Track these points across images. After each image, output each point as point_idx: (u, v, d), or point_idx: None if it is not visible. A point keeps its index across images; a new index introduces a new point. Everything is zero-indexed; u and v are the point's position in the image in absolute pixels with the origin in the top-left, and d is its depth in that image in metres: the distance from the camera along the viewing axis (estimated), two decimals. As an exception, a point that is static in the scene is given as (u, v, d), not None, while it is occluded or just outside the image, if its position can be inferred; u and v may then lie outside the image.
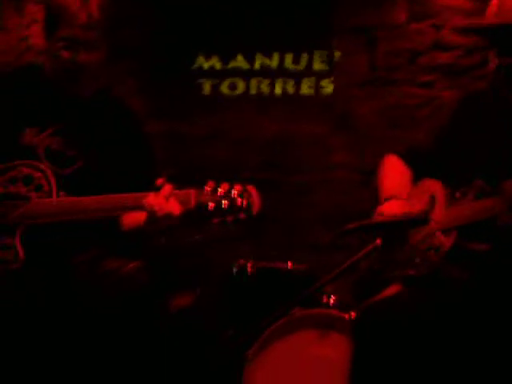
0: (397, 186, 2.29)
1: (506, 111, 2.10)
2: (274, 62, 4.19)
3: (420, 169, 2.32)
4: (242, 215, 2.06)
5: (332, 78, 4.13)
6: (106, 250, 2.30)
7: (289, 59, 4.18)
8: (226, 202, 2.05)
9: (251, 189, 2.08)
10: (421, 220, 2.08)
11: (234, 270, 3.22)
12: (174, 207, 2.04)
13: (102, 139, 2.34)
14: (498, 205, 1.92)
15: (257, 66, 4.21)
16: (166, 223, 2.07)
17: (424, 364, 1.99)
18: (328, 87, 4.14)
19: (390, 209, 2.15)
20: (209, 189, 2.07)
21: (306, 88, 4.16)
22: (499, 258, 1.98)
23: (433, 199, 2.19)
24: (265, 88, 4.21)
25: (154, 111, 4.07)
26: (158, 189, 2.07)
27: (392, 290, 2.26)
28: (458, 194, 2.13)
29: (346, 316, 2.76)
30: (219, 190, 2.06)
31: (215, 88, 4.25)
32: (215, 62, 4.25)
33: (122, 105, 2.49)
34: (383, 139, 3.93)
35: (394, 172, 2.36)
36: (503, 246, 1.97)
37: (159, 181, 2.08)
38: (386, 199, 2.22)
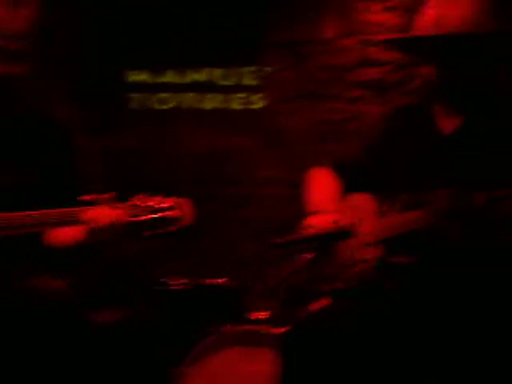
0: (324, 199, 2.30)
1: (432, 126, 2.15)
2: (203, 77, 4.20)
3: (348, 182, 2.34)
4: (173, 228, 2.06)
5: (262, 93, 4.16)
6: (37, 265, 2.25)
7: (219, 74, 4.19)
8: (158, 215, 2.04)
9: (183, 202, 2.08)
10: (348, 233, 2.11)
11: (164, 285, 3.19)
12: (111, 220, 2.02)
13: (30, 152, 2.30)
14: (424, 217, 1.95)
15: (187, 80, 4.21)
16: (104, 237, 2.05)
17: (354, 376, 2.00)
18: (258, 102, 4.16)
19: (319, 223, 2.17)
20: (140, 201, 2.05)
21: (235, 103, 4.18)
22: (426, 269, 2.02)
23: (361, 212, 2.22)
24: (195, 103, 4.21)
25: (85, 125, 4.01)
26: (92, 203, 2.05)
27: (321, 303, 2.27)
28: (384, 207, 2.16)
29: (276, 331, 2.76)
30: (150, 202, 2.05)
31: (146, 102, 4.24)
32: (146, 76, 4.23)
33: (51, 118, 2.44)
34: (312, 154, 3.98)
35: (321, 185, 2.38)
36: (430, 257, 2.01)
37: (93, 195, 2.05)
38: (313, 212, 2.23)
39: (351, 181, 2.33)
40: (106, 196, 2.06)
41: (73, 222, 2.07)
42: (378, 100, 4.01)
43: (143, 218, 2.03)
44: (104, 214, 2.03)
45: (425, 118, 2.16)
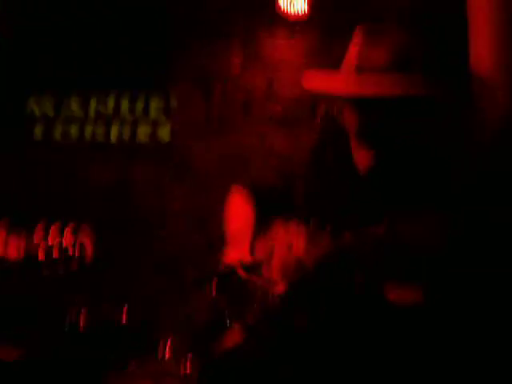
0: (240, 230, 2.30)
1: (335, 159, 2.18)
2: (109, 108, 4.14)
3: (262, 213, 2.35)
4: (75, 266, 2.00)
5: (169, 127, 4.14)
6: None
7: (125, 106, 4.15)
8: (57, 252, 1.98)
9: (84, 238, 2.03)
10: (257, 268, 2.10)
11: (68, 322, 3.10)
12: (9, 252, 1.95)
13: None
14: (333, 251, 1.97)
15: (91, 112, 4.14)
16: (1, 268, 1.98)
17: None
18: (165, 135, 4.14)
19: (230, 257, 2.16)
20: (39, 239, 1.99)
21: (142, 136, 4.14)
22: (336, 304, 2.03)
23: (273, 245, 2.22)
24: (99, 135, 4.14)
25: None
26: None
27: (231, 339, 2.25)
28: (295, 240, 2.17)
29: (184, 369, 2.72)
30: (50, 240, 1.99)
31: (48, 134, 4.14)
32: (48, 108, 4.14)
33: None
34: (219, 187, 3.97)
35: (237, 217, 2.39)
36: (340, 292, 2.02)
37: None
38: (229, 244, 2.23)
39: (265, 212, 2.35)
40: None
41: None
42: (282, 135, 4.07)
43: (42, 254, 1.96)
44: None
45: (339, 152, 2.19)
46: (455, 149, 2.18)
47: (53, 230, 2.03)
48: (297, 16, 3.89)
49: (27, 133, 4.13)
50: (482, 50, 2.40)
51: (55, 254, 1.97)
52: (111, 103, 4.13)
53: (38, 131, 4.15)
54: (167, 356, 2.91)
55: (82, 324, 3.08)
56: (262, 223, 2.34)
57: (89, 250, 2.02)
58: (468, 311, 2.03)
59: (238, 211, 2.40)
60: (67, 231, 2.04)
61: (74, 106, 4.14)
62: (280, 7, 3.86)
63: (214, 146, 4.12)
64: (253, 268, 2.10)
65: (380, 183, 2.11)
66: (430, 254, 1.80)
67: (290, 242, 2.18)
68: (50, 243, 1.98)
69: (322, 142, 2.29)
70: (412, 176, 2.08)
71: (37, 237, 1.99)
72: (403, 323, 1.98)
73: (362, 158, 2.18)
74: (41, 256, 1.96)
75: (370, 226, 1.85)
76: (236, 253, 2.17)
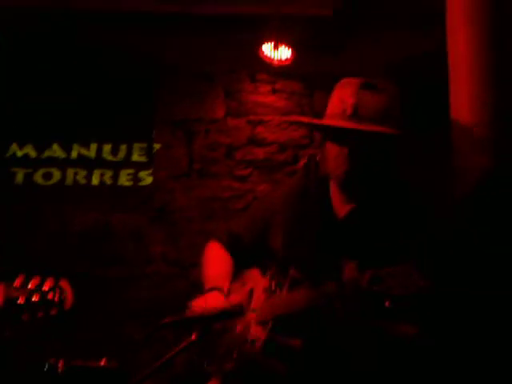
0: (218, 276, 2.30)
1: (313, 202, 2.21)
2: (91, 152, 4.14)
3: (240, 256, 2.35)
4: (54, 311, 1.97)
5: (151, 170, 4.14)
6: None
7: (107, 149, 4.15)
8: (37, 296, 1.95)
9: (64, 283, 2.00)
10: (237, 313, 2.09)
11: (45, 368, 3.04)
12: None
13: None
14: (312, 296, 1.97)
15: (73, 155, 4.13)
16: None
17: None
18: (147, 179, 4.14)
19: (209, 302, 2.15)
20: (18, 284, 1.96)
21: (124, 179, 4.13)
22: (315, 352, 2.03)
23: (251, 291, 2.22)
24: (81, 178, 4.13)
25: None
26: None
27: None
28: (273, 286, 2.17)
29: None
30: (29, 285, 1.96)
31: (29, 177, 4.11)
32: (29, 150, 4.13)
33: None
34: (200, 232, 3.98)
35: (215, 260, 2.39)
36: (322, 337, 2.02)
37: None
38: (208, 290, 2.22)
39: (243, 254, 2.35)
40: None
41: None
42: (264, 179, 4.08)
43: (22, 299, 1.94)
44: None
45: (319, 202, 2.21)
46: (432, 199, 2.21)
47: (31, 276, 2.01)
48: (280, 61, 3.93)
49: (9, 177, 4.10)
50: (461, 104, 2.45)
51: (35, 298, 1.94)
52: (93, 147, 4.13)
53: (20, 175, 4.12)
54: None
55: (59, 370, 3.02)
56: (238, 270, 2.35)
57: (69, 294, 2.00)
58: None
59: (218, 257, 2.40)
60: (46, 277, 2.02)
61: (56, 149, 4.13)
62: (263, 53, 3.90)
63: (195, 189, 4.13)
64: (231, 314, 2.08)
65: (358, 230, 2.13)
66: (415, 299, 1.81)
67: (267, 286, 2.18)
68: (29, 288, 1.95)
69: (303, 188, 2.31)
70: (390, 224, 2.10)
71: (17, 282, 1.96)
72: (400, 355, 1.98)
73: (341, 208, 2.21)
74: (20, 301, 1.93)
75: (354, 276, 1.86)
76: (213, 301, 2.16)
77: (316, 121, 2.30)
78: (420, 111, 3.59)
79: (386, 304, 1.77)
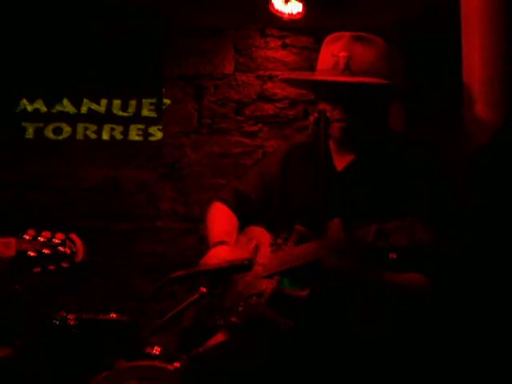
0: (224, 232, 2.31)
1: (323, 160, 2.20)
2: (101, 108, 4.13)
3: (246, 215, 2.36)
4: (65, 264, 1.99)
5: (160, 126, 4.14)
6: None
7: (117, 105, 4.14)
8: (48, 250, 1.97)
9: (74, 237, 2.02)
10: (245, 266, 2.10)
11: (56, 321, 3.08)
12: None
13: None
14: (319, 249, 1.97)
15: (84, 110, 4.13)
16: None
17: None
18: (157, 134, 4.14)
19: (216, 256, 2.16)
20: (29, 237, 1.98)
21: (134, 134, 4.13)
22: (323, 303, 2.04)
23: (257, 246, 2.23)
24: (92, 133, 4.13)
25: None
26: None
27: (217, 338, 2.25)
28: (279, 240, 2.18)
29: (171, 367, 2.72)
30: (40, 238, 1.98)
31: (39, 132, 4.12)
32: (40, 105, 4.13)
33: None
34: (209, 187, 3.99)
35: (221, 217, 2.39)
36: (328, 291, 2.03)
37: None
38: (214, 245, 2.23)
39: (249, 214, 2.35)
40: None
41: None
42: (274, 135, 4.08)
43: (33, 253, 1.96)
44: None
45: (320, 155, 2.20)
46: (442, 157, 2.21)
47: (42, 230, 2.03)
48: (291, 15, 3.88)
49: (19, 132, 4.11)
50: (473, 57, 2.42)
51: (46, 251, 1.96)
52: (104, 102, 4.13)
53: (30, 130, 4.13)
54: (155, 354, 2.90)
55: (69, 323, 3.06)
56: (244, 223, 2.37)
57: (79, 247, 2.02)
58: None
59: (223, 215, 2.41)
60: (57, 231, 2.03)
61: (66, 104, 4.12)
62: (274, 6, 3.85)
63: (204, 145, 4.13)
64: (239, 268, 2.09)
65: (357, 182, 2.14)
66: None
67: (274, 241, 2.19)
68: (40, 242, 1.97)
69: (310, 144, 2.31)
70: (390, 177, 2.10)
71: (28, 236, 1.98)
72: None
73: (340, 160, 2.21)
74: (32, 254, 1.95)
75: (358, 229, 1.86)
76: (221, 255, 2.18)
77: (308, 76, 2.28)
78: (432, 67, 3.55)
79: (393, 256, 1.78)
